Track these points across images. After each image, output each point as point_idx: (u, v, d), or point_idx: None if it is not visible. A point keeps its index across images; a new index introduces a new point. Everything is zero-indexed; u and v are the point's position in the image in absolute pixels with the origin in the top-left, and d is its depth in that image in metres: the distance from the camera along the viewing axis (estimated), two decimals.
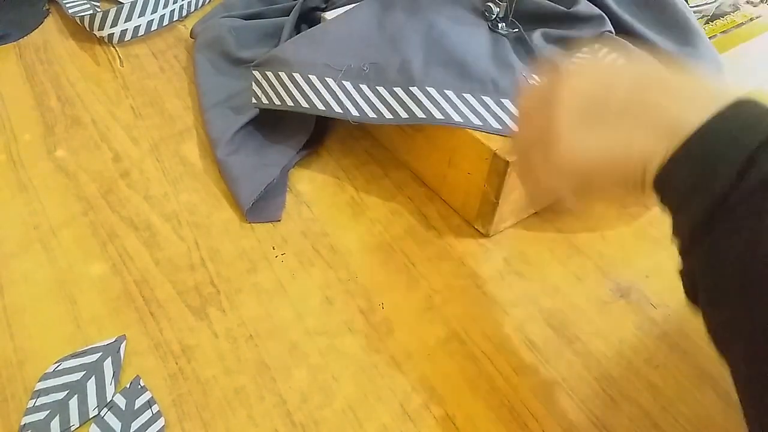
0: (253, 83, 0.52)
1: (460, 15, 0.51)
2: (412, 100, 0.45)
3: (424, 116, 0.45)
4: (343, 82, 0.47)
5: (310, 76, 0.48)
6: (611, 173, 0.30)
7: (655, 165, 0.28)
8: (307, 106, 0.48)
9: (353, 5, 0.52)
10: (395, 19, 0.49)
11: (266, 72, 0.51)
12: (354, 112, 0.46)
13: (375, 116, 0.46)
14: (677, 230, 0.28)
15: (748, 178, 0.25)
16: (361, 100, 0.47)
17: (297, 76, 0.49)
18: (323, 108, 0.47)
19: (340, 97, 0.47)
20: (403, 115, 0.45)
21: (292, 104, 0.49)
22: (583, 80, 0.31)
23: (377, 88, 0.47)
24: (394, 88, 0.46)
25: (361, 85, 0.47)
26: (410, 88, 0.46)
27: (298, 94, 0.48)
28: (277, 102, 0.50)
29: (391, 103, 0.46)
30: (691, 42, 0.47)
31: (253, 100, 0.52)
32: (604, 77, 0.31)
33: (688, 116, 0.27)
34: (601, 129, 0.30)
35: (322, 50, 0.49)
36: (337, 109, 0.47)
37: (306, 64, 0.49)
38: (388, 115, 0.46)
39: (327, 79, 0.48)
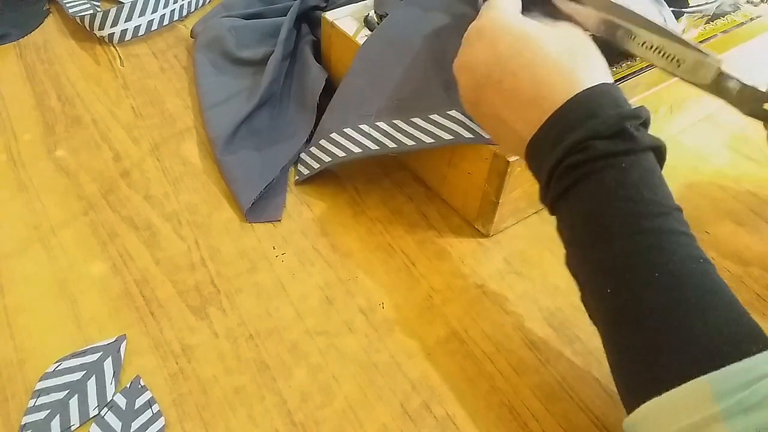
0: (299, 165, 0.52)
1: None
2: (453, 122, 0.45)
3: (471, 136, 0.44)
4: (377, 123, 0.47)
5: (344, 129, 0.49)
6: (498, 138, 0.39)
7: (525, 141, 0.35)
8: (343, 155, 0.48)
9: (362, 44, 0.51)
10: (407, 49, 0.48)
11: (310, 149, 0.51)
12: (391, 145, 0.46)
13: (414, 143, 0.46)
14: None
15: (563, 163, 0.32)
16: (397, 133, 0.47)
17: (334, 135, 0.49)
18: (360, 150, 0.48)
19: (374, 136, 0.47)
20: (446, 137, 0.45)
21: (330, 159, 0.49)
22: (473, 58, 0.37)
23: (412, 119, 0.46)
24: (430, 116, 0.46)
25: (395, 121, 0.47)
26: (448, 112, 0.45)
27: (335, 149, 0.49)
28: (317, 165, 0.50)
29: (427, 128, 0.46)
30: None
31: (296, 177, 0.52)
32: (489, 57, 0.36)
33: (549, 102, 0.33)
34: (485, 105, 0.37)
35: (351, 103, 0.49)
36: (374, 147, 0.47)
37: (340, 121, 0.49)
38: (428, 140, 0.45)
39: (361, 126, 0.48)
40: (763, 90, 0.35)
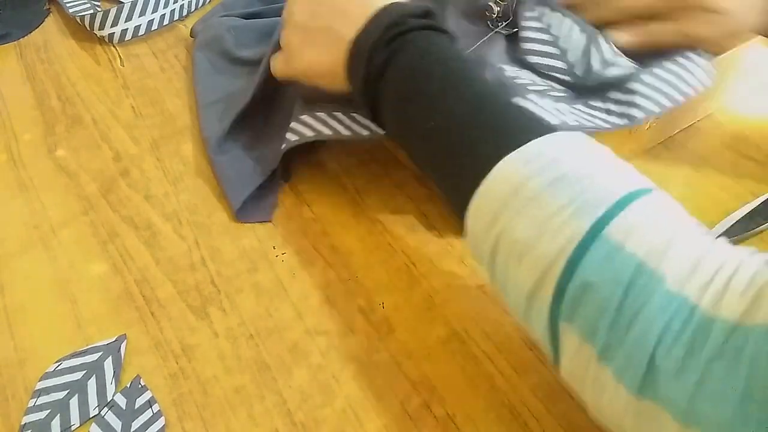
0: (289, 133, 0.49)
1: (462, 26, 0.51)
2: None
3: None
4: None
5: (334, 113, 0.48)
6: (321, 52, 0.44)
7: (349, 43, 0.42)
8: (329, 132, 0.47)
9: None
10: None
11: (300, 116, 0.49)
12: (380, 131, 0.46)
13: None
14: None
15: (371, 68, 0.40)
16: None
17: (320, 114, 0.48)
18: (348, 133, 0.46)
19: (364, 122, 0.47)
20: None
21: (330, 132, 0.47)
22: (297, 7, 0.46)
23: None
24: None
25: None
26: None
27: (321, 126, 0.47)
28: (311, 134, 0.48)
29: None
30: None
31: (283, 145, 0.48)
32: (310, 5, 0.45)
33: (374, 6, 0.41)
34: (319, 19, 0.44)
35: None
36: (365, 132, 0.46)
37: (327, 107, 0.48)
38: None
39: (353, 114, 0.47)
40: None
